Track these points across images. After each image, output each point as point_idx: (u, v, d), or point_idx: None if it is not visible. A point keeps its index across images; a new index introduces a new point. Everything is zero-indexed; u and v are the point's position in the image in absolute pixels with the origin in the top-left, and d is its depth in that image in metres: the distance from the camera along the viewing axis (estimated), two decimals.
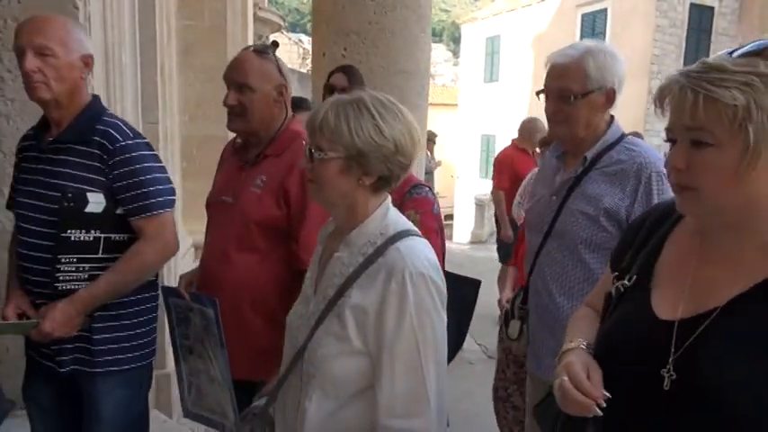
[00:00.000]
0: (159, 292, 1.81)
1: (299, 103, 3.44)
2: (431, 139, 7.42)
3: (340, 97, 1.25)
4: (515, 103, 16.03)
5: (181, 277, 1.91)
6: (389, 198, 1.32)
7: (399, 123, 1.22)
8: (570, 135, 1.77)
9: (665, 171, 1.63)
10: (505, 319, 1.97)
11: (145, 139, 1.71)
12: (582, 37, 14.85)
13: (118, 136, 1.62)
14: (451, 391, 2.59)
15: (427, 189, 2.09)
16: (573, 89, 1.69)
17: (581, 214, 1.71)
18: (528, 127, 4.99)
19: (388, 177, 1.25)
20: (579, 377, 1.02)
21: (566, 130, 1.76)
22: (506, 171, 4.96)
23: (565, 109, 1.72)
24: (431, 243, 1.87)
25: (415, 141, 1.25)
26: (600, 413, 0.98)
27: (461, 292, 2.07)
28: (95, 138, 1.61)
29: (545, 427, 1.25)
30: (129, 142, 1.62)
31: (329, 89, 2.70)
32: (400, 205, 1.96)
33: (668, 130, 0.99)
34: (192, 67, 4.20)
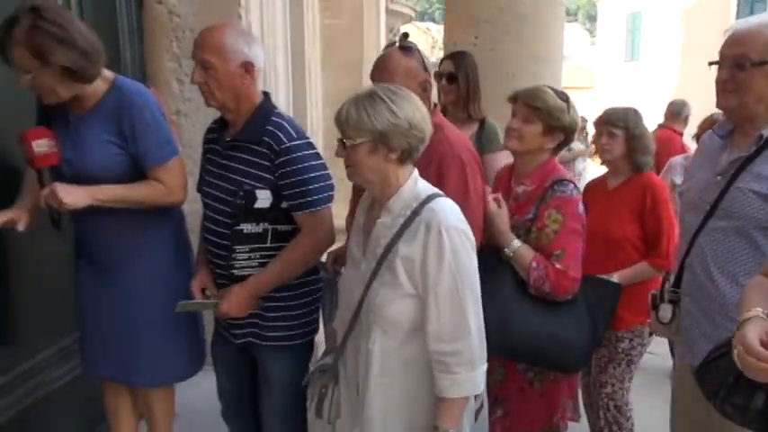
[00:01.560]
0: (321, 275, 1.99)
1: None
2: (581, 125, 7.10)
3: (357, 93, 1.48)
4: (659, 83, 14.92)
5: (329, 253, 2.09)
6: (416, 170, 1.54)
7: (408, 104, 1.44)
8: (740, 105, 1.64)
9: None
10: (653, 303, 1.91)
11: (308, 138, 1.87)
12: (739, 8, 13.37)
13: (283, 137, 1.78)
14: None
15: (572, 186, 1.95)
16: (749, 55, 1.58)
17: (754, 194, 1.60)
18: (677, 109, 4.68)
19: (409, 150, 1.46)
20: (754, 347, 1.05)
21: (736, 100, 1.63)
22: (664, 155, 4.67)
23: (738, 77, 1.60)
24: (571, 246, 1.86)
25: (425, 117, 1.47)
26: None
27: (598, 293, 1.99)
28: (264, 138, 1.79)
29: (708, 390, 1.27)
30: (293, 143, 1.78)
31: (438, 76, 2.73)
32: (542, 199, 1.91)
33: None
34: (332, 62, 4.44)
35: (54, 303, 2.12)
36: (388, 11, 7.03)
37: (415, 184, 1.51)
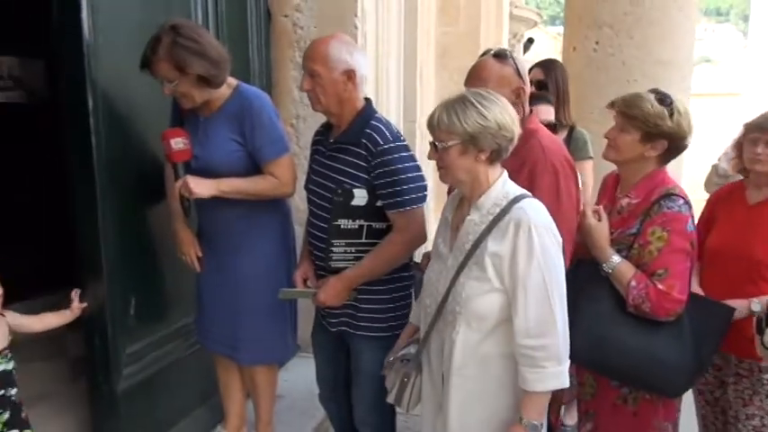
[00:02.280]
0: (414, 273, 2.07)
1: (537, 98, 3.47)
2: None
3: (447, 98, 1.55)
4: None
5: (424, 255, 2.15)
6: (506, 171, 1.59)
7: (497, 107, 1.49)
8: None
9: None
10: (758, 326, 1.76)
11: (404, 141, 1.96)
12: None
13: (380, 140, 1.89)
14: None
15: (682, 202, 1.79)
16: None
17: None
18: None
19: (498, 150, 1.52)
20: None
21: None
22: None
23: None
24: (677, 267, 1.75)
25: (513, 118, 1.52)
26: None
27: (705, 315, 1.83)
28: (363, 140, 1.91)
29: None
30: (389, 146, 1.89)
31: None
32: (647, 214, 1.79)
33: None
34: (447, 70, 4.52)
35: (180, 284, 2.39)
36: (512, 16, 6.97)
37: (504, 184, 1.57)
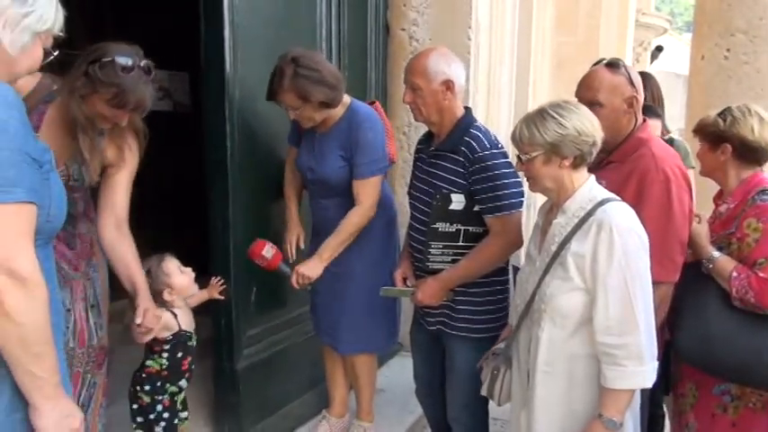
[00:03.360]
0: (510, 277, 2.13)
1: (647, 110, 3.37)
2: None
3: (528, 113, 1.64)
4: None
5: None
6: (593, 176, 1.65)
7: (575, 114, 1.56)
8: None
9: None
10: None
11: (502, 149, 2.03)
12: None
13: (477, 147, 1.97)
14: None
15: None
16: None
17: None
18: None
19: (581, 155, 1.57)
20: None
21: None
22: None
23: None
24: None
25: (593, 124, 1.58)
26: None
27: None
28: (462, 148, 1.99)
29: None
30: (487, 152, 1.96)
31: None
32: (742, 211, 1.84)
33: None
34: (562, 81, 4.46)
35: None
36: (638, 24, 6.69)
37: (591, 189, 1.61)
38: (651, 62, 8.46)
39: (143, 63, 1.71)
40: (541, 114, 1.58)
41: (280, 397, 2.65)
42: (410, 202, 2.22)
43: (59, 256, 1.72)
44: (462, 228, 2.01)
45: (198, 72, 2.36)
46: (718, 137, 1.93)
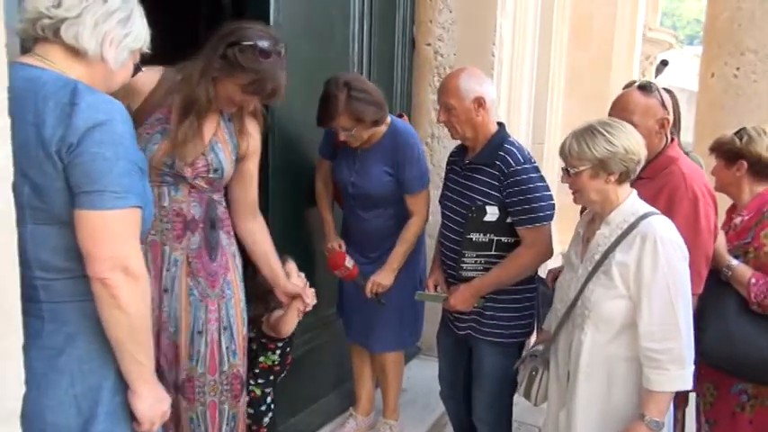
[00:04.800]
0: (538, 287, 2.24)
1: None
2: None
3: (577, 128, 1.71)
4: None
5: (549, 271, 2.32)
6: (635, 191, 1.73)
7: (623, 133, 1.66)
8: None
9: None
10: None
11: (535, 163, 2.14)
12: None
13: (512, 161, 2.08)
14: None
15: None
16: None
17: None
18: None
19: (627, 172, 1.67)
20: None
21: None
22: None
23: None
24: None
25: (639, 142, 1.66)
26: None
27: None
28: (496, 162, 2.10)
29: None
30: (521, 167, 2.07)
31: None
32: (757, 223, 1.98)
33: None
34: (575, 95, 4.59)
35: (325, 279, 2.72)
36: (645, 39, 6.84)
37: (634, 203, 1.71)
38: (656, 76, 8.61)
39: (280, 47, 1.65)
40: (591, 131, 1.66)
41: (311, 393, 2.77)
42: (442, 212, 2.33)
43: (201, 268, 1.72)
44: (495, 238, 2.13)
45: None
46: (734, 154, 2.08)
